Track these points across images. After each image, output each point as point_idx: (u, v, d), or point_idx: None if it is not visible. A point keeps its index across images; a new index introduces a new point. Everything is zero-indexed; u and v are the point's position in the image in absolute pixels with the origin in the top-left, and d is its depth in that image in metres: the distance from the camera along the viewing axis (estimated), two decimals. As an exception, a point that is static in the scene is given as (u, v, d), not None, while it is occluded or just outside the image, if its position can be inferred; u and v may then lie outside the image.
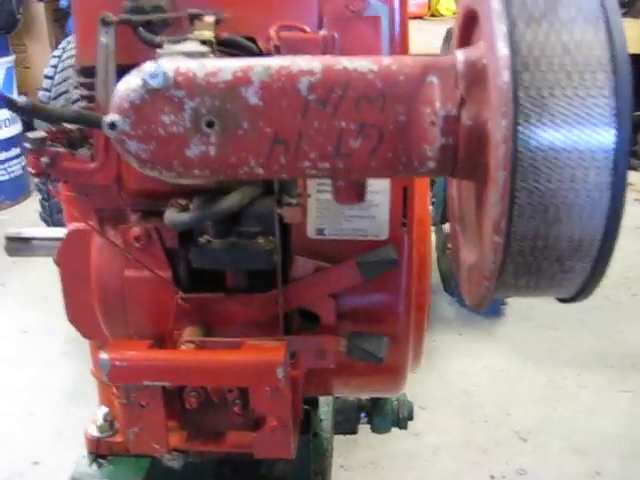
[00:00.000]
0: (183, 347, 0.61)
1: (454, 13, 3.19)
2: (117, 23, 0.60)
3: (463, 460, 1.48)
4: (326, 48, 0.59)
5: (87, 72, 0.63)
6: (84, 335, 0.76)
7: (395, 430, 1.40)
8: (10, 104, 0.58)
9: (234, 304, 0.64)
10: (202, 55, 0.51)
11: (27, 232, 0.87)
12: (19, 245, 0.86)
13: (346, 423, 1.16)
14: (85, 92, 0.64)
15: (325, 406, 1.04)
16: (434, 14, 3.27)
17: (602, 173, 0.42)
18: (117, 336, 0.69)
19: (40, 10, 3.34)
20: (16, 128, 3.02)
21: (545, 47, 0.40)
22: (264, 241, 0.60)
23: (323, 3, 0.61)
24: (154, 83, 0.46)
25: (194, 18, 0.58)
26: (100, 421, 0.76)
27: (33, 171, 0.64)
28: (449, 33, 2.04)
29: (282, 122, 0.46)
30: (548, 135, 0.40)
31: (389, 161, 0.46)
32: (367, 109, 0.45)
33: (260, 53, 0.60)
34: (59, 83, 1.80)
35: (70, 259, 0.70)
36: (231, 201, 0.57)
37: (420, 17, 3.15)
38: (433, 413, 1.62)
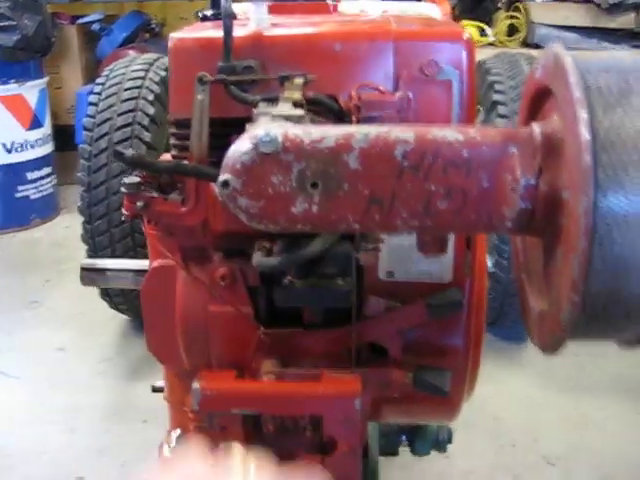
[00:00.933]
0: (265, 378, 0.67)
1: (477, 42, 3.26)
2: (212, 82, 0.66)
3: (493, 484, 1.54)
4: (401, 108, 0.65)
5: (180, 124, 0.69)
6: (162, 362, 0.81)
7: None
8: (118, 156, 0.64)
9: (311, 338, 0.69)
10: (300, 118, 0.57)
11: (101, 263, 0.94)
12: (93, 275, 0.93)
13: (388, 445, 1.21)
14: (177, 142, 0.70)
15: (371, 429, 1.09)
16: (457, 42, 3.33)
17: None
18: (196, 364, 0.75)
19: (73, 33, 3.43)
20: (47, 148, 3.10)
21: (620, 132, 0.46)
22: (342, 282, 0.66)
23: (399, 66, 0.67)
24: (265, 148, 0.52)
25: (284, 80, 0.65)
26: (173, 442, 0.82)
27: (127, 213, 0.70)
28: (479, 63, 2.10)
29: (378, 184, 0.52)
30: (622, 209, 0.45)
31: (472, 221, 0.52)
32: (454, 175, 0.51)
33: (341, 110, 0.66)
34: (103, 110, 1.87)
35: (154, 293, 0.76)
36: (316, 246, 0.63)
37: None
38: (463, 437, 1.65)
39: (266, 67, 0.68)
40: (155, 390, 1.22)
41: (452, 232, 0.56)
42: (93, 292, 2.30)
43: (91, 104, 1.90)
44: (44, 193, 3.09)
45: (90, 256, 1.88)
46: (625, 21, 3.16)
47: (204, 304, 0.71)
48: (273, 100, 0.63)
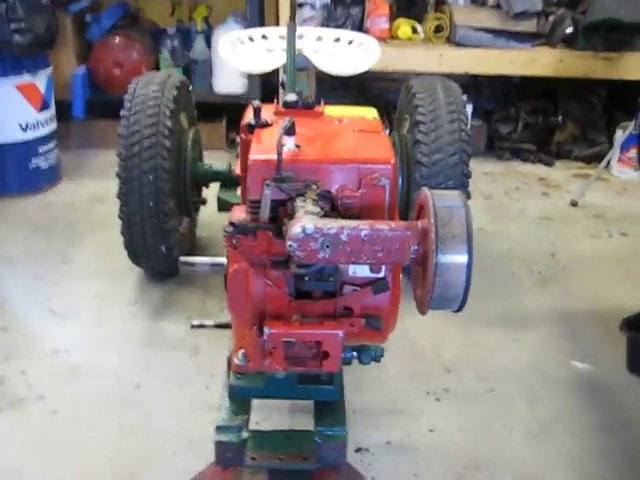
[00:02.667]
0: (294, 322, 1.40)
1: (409, 38, 3.96)
2: (272, 183, 1.37)
3: (411, 384, 2.30)
4: (362, 198, 1.39)
5: (255, 202, 1.40)
6: (236, 316, 1.53)
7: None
8: (233, 225, 1.35)
9: (317, 305, 1.43)
10: (318, 213, 1.29)
11: (191, 260, 1.65)
12: (187, 267, 1.64)
13: (344, 359, 1.96)
14: (253, 211, 1.41)
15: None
16: (393, 37, 4.01)
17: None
18: (255, 317, 1.48)
19: (67, 21, 3.96)
20: (53, 126, 3.68)
21: (447, 233, 1.20)
22: (331, 279, 1.40)
23: (361, 177, 1.39)
24: (307, 232, 1.24)
25: (307, 186, 1.36)
26: (241, 357, 1.54)
27: (226, 244, 1.41)
28: (407, 86, 2.80)
29: (355, 246, 1.25)
30: (446, 260, 1.20)
31: (392, 260, 1.27)
32: (384, 242, 1.25)
33: (333, 199, 1.39)
34: (133, 123, 2.52)
35: (235, 282, 1.48)
36: (319, 265, 1.36)
37: (382, 39, 3.88)
38: (392, 354, 2.43)
39: (297, 173, 1.40)
40: (193, 327, 1.94)
41: (382, 264, 1.30)
42: (111, 250, 2.99)
43: (123, 117, 2.54)
44: (51, 163, 3.70)
45: (125, 231, 2.56)
46: (528, 25, 3.90)
47: (263, 288, 1.44)
48: (301, 195, 1.36)
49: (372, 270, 1.40)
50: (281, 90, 2.13)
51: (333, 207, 1.41)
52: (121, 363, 2.35)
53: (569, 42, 3.93)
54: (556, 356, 2.44)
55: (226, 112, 4.30)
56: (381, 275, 1.45)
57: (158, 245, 2.57)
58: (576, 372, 2.36)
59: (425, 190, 1.28)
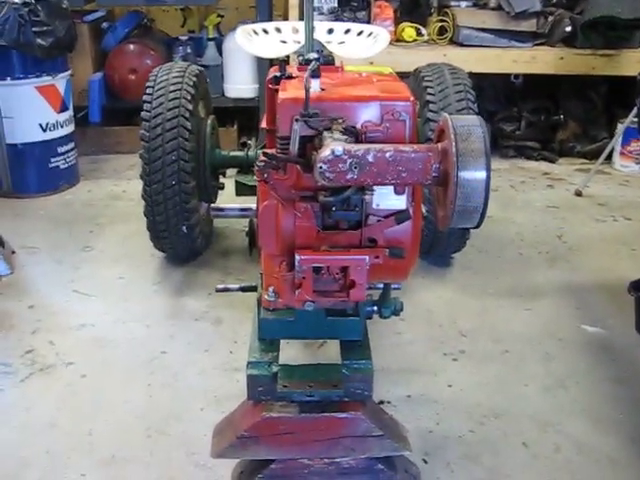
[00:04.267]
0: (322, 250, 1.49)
1: (414, 40, 4.10)
2: (300, 119, 1.47)
3: (428, 347, 2.38)
4: (384, 132, 1.48)
5: (284, 138, 1.50)
6: (266, 249, 1.62)
7: (387, 329, 2.33)
8: (266, 155, 1.45)
9: (343, 235, 1.52)
10: (346, 140, 1.39)
11: (222, 205, 1.75)
12: (217, 212, 1.73)
13: (367, 312, 2.04)
14: (282, 146, 1.51)
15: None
16: (399, 40, 4.15)
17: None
18: (284, 250, 1.56)
19: (84, 29, 4.12)
20: (72, 127, 3.81)
21: (465, 148, 1.30)
22: (357, 210, 1.49)
23: (382, 113, 1.49)
24: (336, 153, 1.34)
25: (333, 120, 1.46)
26: (271, 293, 1.63)
27: (258, 178, 1.51)
28: (416, 72, 2.93)
29: (380, 167, 1.35)
30: (467, 174, 1.29)
31: (415, 180, 1.36)
32: (408, 162, 1.34)
33: (357, 133, 1.49)
34: (156, 107, 2.63)
35: (266, 217, 1.57)
36: (348, 192, 1.45)
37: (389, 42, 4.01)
38: (408, 322, 2.53)
39: (323, 111, 1.50)
40: (218, 290, 2.03)
41: (407, 184, 1.40)
42: (132, 239, 3.09)
43: (145, 102, 2.66)
44: (70, 163, 3.81)
45: (148, 211, 2.66)
46: (528, 25, 4.04)
47: (292, 221, 1.53)
48: (328, 129, 1.46)
49: (397, 192, 1.49)
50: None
51: (358, 142, 1.51)
52: (146, 334, 2.44)
53: (569, 41, 4.07)
54: (567, 321, 2.52)
55: (238, 117, 4.43)
56: (403, 207, 1.54)
57: (180, 225, 2.66)
58: (587, 335, 2.44)
59: (445, 114, 1.38)
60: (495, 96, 4.50)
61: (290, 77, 1.71)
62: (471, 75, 3.99)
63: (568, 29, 4.00)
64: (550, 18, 4.04)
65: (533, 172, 4.14)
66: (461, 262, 2.95)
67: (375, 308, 1.91)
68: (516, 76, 4.38)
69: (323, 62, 1.79)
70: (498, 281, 2.81)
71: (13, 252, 3.01)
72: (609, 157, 4.07)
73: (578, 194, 3.72)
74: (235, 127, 4.33)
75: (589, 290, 2.74)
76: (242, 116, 4.41)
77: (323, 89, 1.57)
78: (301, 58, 1.90)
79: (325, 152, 1.35)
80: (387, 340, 2.38)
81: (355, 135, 1.50)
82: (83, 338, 2.41)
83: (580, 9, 4.06)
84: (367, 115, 1.51)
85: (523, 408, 2.06)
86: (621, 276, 2.81)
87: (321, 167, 1.34)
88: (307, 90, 1.46)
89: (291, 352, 2.24)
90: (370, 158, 1.34)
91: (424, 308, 2.60)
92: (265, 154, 1.48)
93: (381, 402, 2.07)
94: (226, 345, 2.34)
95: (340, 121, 1.48)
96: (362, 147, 1.35)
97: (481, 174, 1.31)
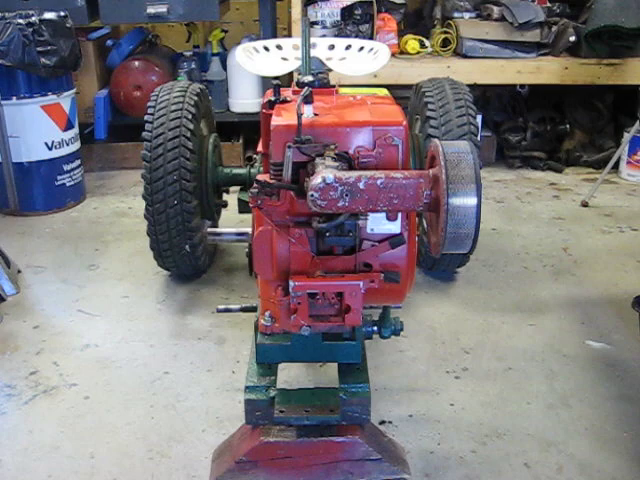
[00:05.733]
0: (317, 276, 1.49)
1: (418, 52, 4.10)
2: (293, 145, 1.47)
3: (430, 364, 2.37)
4: (377, 158, 1.48)
5: (277, 164, 1.50)
6: (262, 276, 1.62)
7: (389, 346, 2.32)
8: (259, 182, 1.45)
9: (337, 260, 1.52)
10: (337, 167, 1.39)
11: (218, 230, 1.75)
12: (214, 236, 1.73)
13: (366, 333, 2.03)
14: (276, 173, 1.51)
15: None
16: (403, 52, 4.15)
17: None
18: (279, 276, 1.56)
19: (89, 47, 4.14)
20: (77, 144, 3.83)
21: (455, 174, 1.29)
22: (351, 235, 1.48)
23: (375, 138, 1.49)
24: (328, 181, 1.34)
25: (325, 146, 1.47)
26: (267, 318, 1.63)
27: (251, 204, 1.51)
28: (417, 87, 2.93)
29: (371, 194, 1.35)
30: (457, 201, 1.29)
31: (407, 207, 1.35)
32: (400, 189, 1.34)
33: (350, 159, 1.49)
34: (157, 127, 2.64)
35: (261, 243, 1.57)
36: (341, 219, 1.45)
37: (392, 55, 4.02)
38: (411, 339, 2.52)
39: (316, 137, 1.50)
40: (219, 311, 2.04)
41: (398, 211, 1.39)
42: (136, 257, 3.11)
43: (147, 122, 2.67)
44: (76, 181, 3.84)
45: (151, 230, 2.67)
46: (532, 35, 4.03)
47: (287, 247, 1.53)
48: (320, 155, 1.46)
49: (389, 218, 1.49)
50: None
51: (351, 167, 1.51)
52: (150, 354, 2.44)
53: (573, 51, 4.05)
54: (571, 337, 2.50)
55: (242, 131, 4.44)
56: (397, 231, 1.54)
57: (182, 244, 2.67)
58: (592, 350, 2.42)
59: (435, 140, 1.38)
60: (501, 106, 4.50)
61: (285, 101, 1.71)
62: (476, 86, 4.02)
63: (572, 39, 3.99)
64: (554, 28, 4.03)
65: (539, 183, 4.12)
66: (465, 276, 2.94)
67: (375, 328, 1.91)
68: (522, 85, 4.39)
69: (318, 85, 1.79)
70: (502, 296, 2.79)
71: (19, 271, 3.03)
72: (616, 166, 4.05)
73: (584, 205, 3.70)
74: (240, 141, 4.34)
75: (594, 304, 2.72)
76: (247, 130, 4.42)
77: (316, 114, 1.57)
78: (298, 79, 1.90)
79: (316, 180, 1.35)
80: (389, 357, 2.38)
81: (348, 161, 1.50)
82: (87, 359, 2.42)
83: (584, 18, 4.05)
84: (360, 140, 1.51)
85: (525, 427, 2.04)
86: (627, 289, 2.80)
87: (312, 195, 1.35)
88: (299, 117, 1.47)
89: (292, 371, 2.24)
90: (361, 185, 1.34)
91: (427, 324, 2.59)
92: (257, 181, 1.49)
93: (382, 422, 2.06)
94: (229, 365, 2.35)
95: (332, 147, 1.48)
96: (353, 174, 1.35)
97: (471, 201, 1.30)
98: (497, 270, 3.02)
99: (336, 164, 1.42)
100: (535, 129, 4.32)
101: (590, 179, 4.12)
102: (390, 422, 2.06)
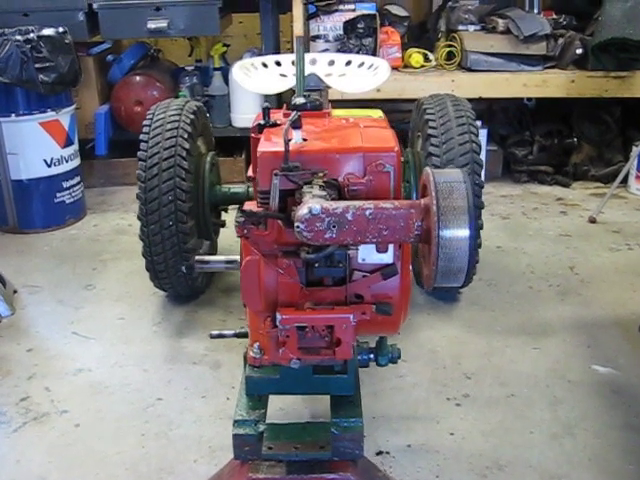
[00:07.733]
0: (306, 309, 1.43)
1: (422, 66, 4.04)
2: (280, 173, 1.42)
3: (430, 391, 2.30)
4: (367, 185, 1.42)
5: (264, 192, 1.45)
6: (250, 307, 1.57)
7: (388, 372, 2.25)
8: (243, 211, 1.39)
9: (327, 292, 1.46)
10: (325, 197, 1.34)
11: (206, 258, 1.70)
12: (201, 265, 1.68)
13: (361, 361, 1.96)
14: (263, 201, 1.46)
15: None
16: (406, 65, 4.10)
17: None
18: (268, 307, 1.50)
19: (89, 62, 4.11)
20: (77, 161, 3.79)
21: (447, 205, 1.23)
22: (341, 265, 1.42)
23: (366, 164, 1.43)
24: (314, 212, 1.28)
25: (313, 173, 1.41)
26: (256, 349, 1.57)
27: (238, 234, 1.46)
28: (419, 103, 2.87)
29: (360, 225, 1.29)
30: (448, 234, 1.23)
31: (397, 238, 1.29)
32: (389, 220, 1.28)
33: (339, 187, 1.43)
34: (152, 146, 2.60)
35: (248, 273, 1.51)
36: (330, 249, 1.39)
37: (396, 68, 3.97)
38: (411, 364, 2.45)
39: (304, 164, 1.44)
40: (213, 337, 1.98)
41: (388, 242, 1.33)
42: (134, 276, 3.06)
43: (142, 141, 2.63)
44: (76, 198, 3.80)
45: (146, 251, 2.62)
46: (538, 48, 3.97)
47: (275, 278, 1.47)
48: (308, 183, 1.40)
49: (379, 250, 1.43)
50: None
51: (340, 195, 1.45)
52: (143, 379, 2.38)
53: (580, 64, 3.98)
54: (577, 362, 2.42)
55: (245, 146, 4.39)
56: (390, 261, 1.48)
57: (178, 265, 2.62)
58: (597, 376, 2.34)
59: (427, 169, 1.32)
60: (507, 120, 4.43)
61: (274, 125, 1.66)
62: (481, 99, 3.96)
63: (579, 51, 3.93)
64: (560, 41, 3.96)
65: (546, 198, 4.05)
66: (469, 297, 2.86)
67: (371, 356, 1.84)
68: (529, 98, 4.32)
69: (310, 108, 1.74)
70: (506, 317, 2.72)
71: (15, 292, 2.99)
72: (624, 181, 3.96)
73: (592, 221, 3.62)
74: (243, 157, 4.29)
75: (601, 326, 2.64)
76: (250, 146, 4.36)
77: (305, 139, 1.51)
78: (290, 100, 1.85)
79: (302, 210, 1.30)
80: (388, 383, 2.31)
81: (337, 189, 1.45)
82: (79, 384, 2.37)
83: (591, 31, 3.98)
84: (350, 167, 1.46)
85: (528, 458, 1.97)
86: (635, 311, 2.72)
87: (298, 226, 1.29)
88: (286, 143, 1.41)
89: (288, 396, 2.17)
90: (349, 216, 1.28)
91: (428, 348, 2.52)
92: (243, 211, 1.43)
93: (380, 452, 1.99)
94: (223, 391, 2.29)
95: (321, 175, 1.43)
96: (341, 205, 1.30)
97: (464, 233, 1.24)
98: (501, 290, 2.94)
99: (324, 193, 1.36)
100: (542, 143, 4.24)
101: (598, 194, 4.04)
102: (387, 452, 1.99)
